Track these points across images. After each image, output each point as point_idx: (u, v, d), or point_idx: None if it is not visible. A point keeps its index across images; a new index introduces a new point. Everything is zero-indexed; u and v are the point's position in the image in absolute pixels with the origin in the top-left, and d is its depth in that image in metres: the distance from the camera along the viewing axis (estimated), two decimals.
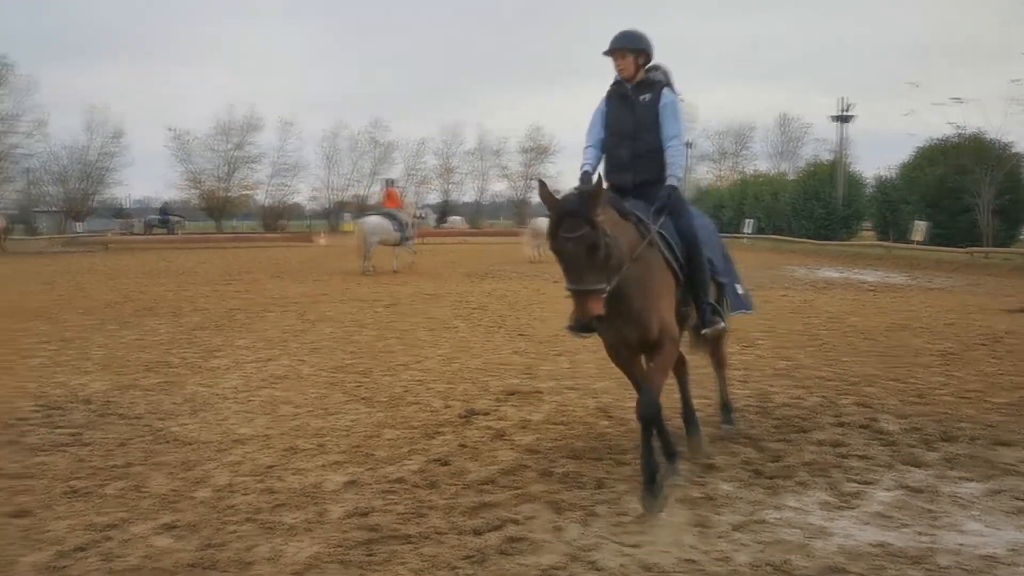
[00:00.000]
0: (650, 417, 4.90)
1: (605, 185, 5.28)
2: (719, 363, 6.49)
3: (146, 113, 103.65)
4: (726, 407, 6.52)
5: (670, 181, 5.40)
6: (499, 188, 74.94)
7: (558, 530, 4.59)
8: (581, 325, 4.58)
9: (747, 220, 47.10)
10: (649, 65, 5.61)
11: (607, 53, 5.56)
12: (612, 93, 5.65)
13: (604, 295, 4.56)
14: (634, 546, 4.37)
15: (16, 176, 59.27)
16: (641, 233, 5.04)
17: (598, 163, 5.59)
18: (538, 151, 72.61)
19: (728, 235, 45.49)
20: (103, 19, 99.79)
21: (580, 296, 4.50)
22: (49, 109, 79.02)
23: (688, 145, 65.87)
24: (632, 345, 5.09)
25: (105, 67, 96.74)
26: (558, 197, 4.64)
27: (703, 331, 5.48)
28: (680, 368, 6.15)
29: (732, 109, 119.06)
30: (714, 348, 6.33)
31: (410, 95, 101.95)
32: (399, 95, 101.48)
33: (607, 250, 4.53)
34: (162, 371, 9.15)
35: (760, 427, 6.62)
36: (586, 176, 5.38)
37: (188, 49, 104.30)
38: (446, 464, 5.73)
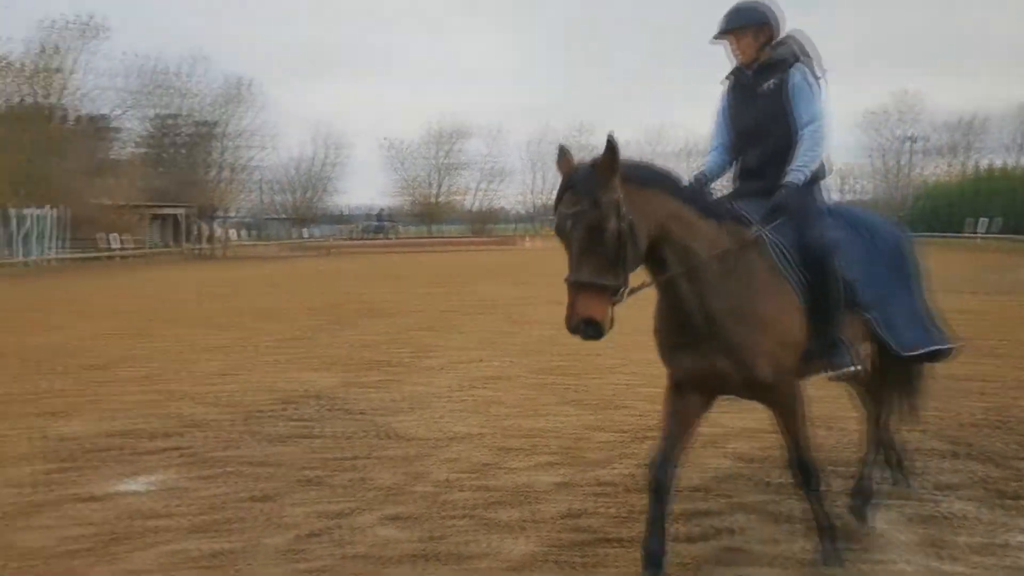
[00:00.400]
0: (814, 479, 4.14)
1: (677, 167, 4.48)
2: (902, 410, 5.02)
3: (363, 124, 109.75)
4: (898, 462, 5.05)
5: (791, 177, 4.23)
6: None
7: (776, 542, 4.44)
8: (572, 328, 3.53)
9: (980, 219, 43.63)
10: (776, 41, 4.48)
11: (719, 36, 4.52)
12: (732, 84, 4.61)
13: (612, 296, 3.55)
14: (861, 564, 4.15)
15: (251, 187, 64.55)
16: (735, 235, 3.96)
17: (720, 169, 4.61)
18: None
19: (955, 235, 42.37)
20: (328, 39, 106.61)
21: (573, 290, 3.52)
22: (280, 124, 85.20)
23: (912, 140, 61.85)
24: (718, 386, 4.05)
25: (329, 83, 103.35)
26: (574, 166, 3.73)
27: (827, 374, 4.24)
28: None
29: (963, 98, 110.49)
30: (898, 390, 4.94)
31: (617, 98, 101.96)
32: (606, 98, 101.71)
33: (620, 237, 3.52)
34: (382, 369, 9.64)
35: (1001, 443, 6.10)
36: (699, 179, 4.50)
37: (403, 63, 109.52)
38: None
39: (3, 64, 42.89)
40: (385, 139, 72.90)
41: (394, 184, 71.79)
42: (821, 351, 4.11)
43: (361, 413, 7.48)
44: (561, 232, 3.61)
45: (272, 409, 7.69)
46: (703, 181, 4.49)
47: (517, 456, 6.05)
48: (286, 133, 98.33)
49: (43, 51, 45.02)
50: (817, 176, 4.39)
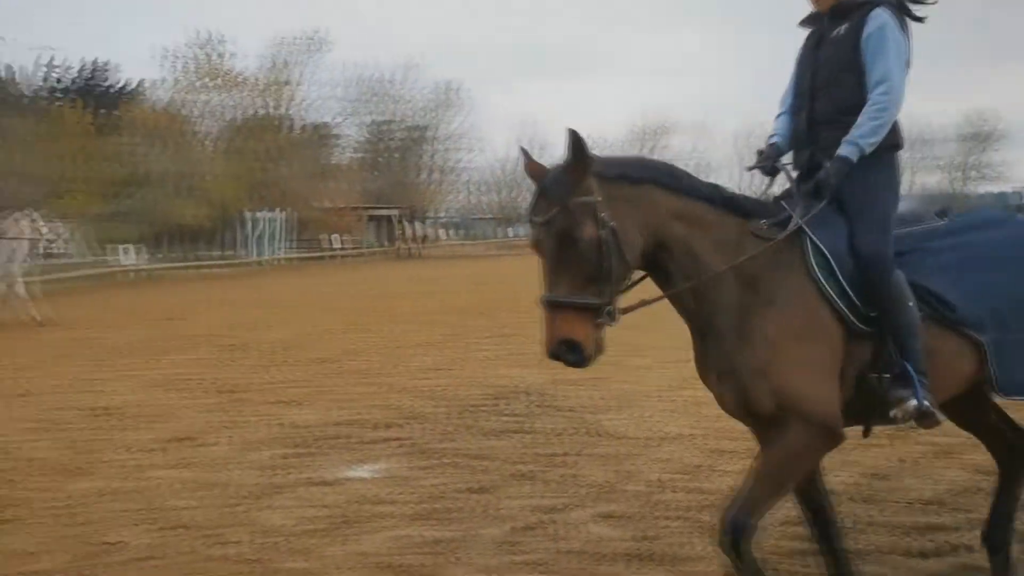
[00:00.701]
0: (727, 544, 3.26)
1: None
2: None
3: (568, 123, 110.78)
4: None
5: (842, 150, 3.35)
6: (931, 180, 68.26)
7: (1021, 562, 4.08)
8: (551, 353, 3.08)
9: None
10: None
11: None
12: (808, 34, 3.72)
13: (596, 316, 3.06)
14: None
15: (459, 188, 66.91)
16: (764, 236, 3.27)
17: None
18: (979, 138, 65.43)
19: None
20: (532, 41, 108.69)
21: (549, 311, 3.06)
22: (487, 126, 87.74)
23: None
24: (743, 417, 3.44)
25: (534, 84, 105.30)
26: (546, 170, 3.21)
27: (892, 412, 3.29)
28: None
29: None
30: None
31: None
32: None
33: (599, 247, 3.02)
34: (590, 367, 9.69)
35: None
36: (771, 150, 3.65)
37: (608, 61, 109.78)
38: (884, 479, 5.37)
39: (240, 80, 46.75)
40: (588, 137, 73.00)
41: None
42: (883, 387, 3.27)
43: (570, 410, 7.56)
44: (535, 245, 3.15)
45: (484, 404, 7.93)
46: (774, 153, 3.64)
47: (731, 459, 5.91)
48: (492, 135, 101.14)
49: (274, 66, 48.72)
50: (891, 144, 3.47)
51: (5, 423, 7.64)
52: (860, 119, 3.38)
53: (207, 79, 45.80)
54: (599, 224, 3.03)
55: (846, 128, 3.39)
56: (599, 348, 3.10)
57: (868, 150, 3.37)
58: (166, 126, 41.90)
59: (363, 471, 5.97)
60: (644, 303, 3.27)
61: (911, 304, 3.26)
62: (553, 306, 3.05)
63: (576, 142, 3.05)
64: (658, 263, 3.28)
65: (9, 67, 40.76)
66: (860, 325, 3.25)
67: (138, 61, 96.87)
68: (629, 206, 3.13)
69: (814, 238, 3.27)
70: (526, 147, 3.52)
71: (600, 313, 3.07)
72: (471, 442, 6.59)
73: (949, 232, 3.55)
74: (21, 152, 32.73)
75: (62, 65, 44.20)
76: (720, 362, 3.28)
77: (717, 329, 3.26)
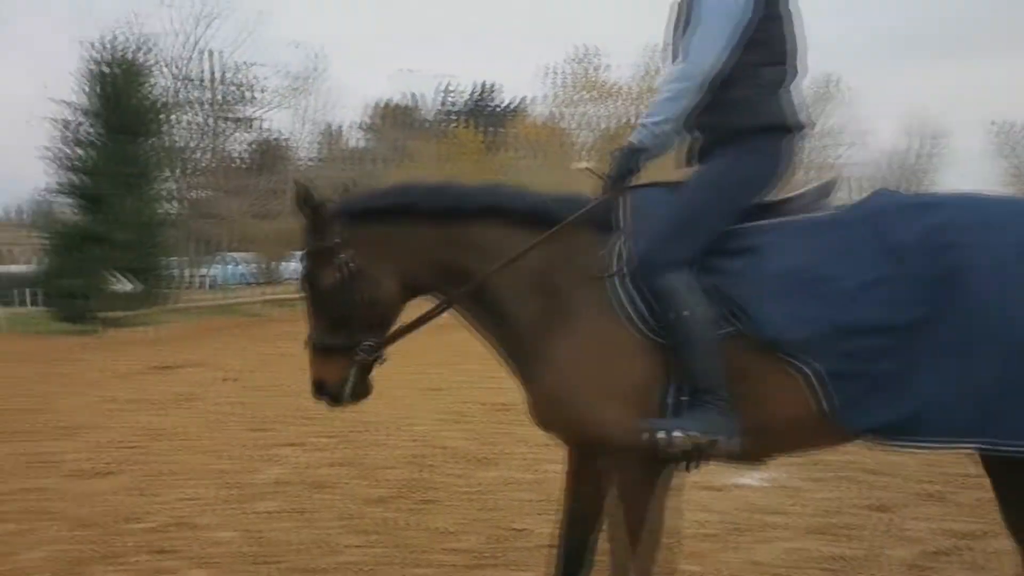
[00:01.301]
0: None
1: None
2: None
3: (964, 109, 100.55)
4: None
5: (633, 134, 2.97)
6: None
7: None
8: (315, 392, 3.13)
9: None
10: None
11: None
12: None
13: (355, 355, 3.05)
14: None
15: (840, 185, 63.53)
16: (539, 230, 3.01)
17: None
18: None
19: None
20: (912, 24, 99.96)
21: (309, 350, 3.12)
22: (870, 118, 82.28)
23: None
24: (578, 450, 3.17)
25: (920, 69, 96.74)
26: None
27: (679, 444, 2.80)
28: None
29: None
30: None
31: None
32: None
33: (340, 289, 3.01)
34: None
35: None
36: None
37: (1010, 36, 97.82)
38: None
39: (614, 90, 48.44)
40: (993, 123, 65.44)
41: (1003, 173, 64.36)
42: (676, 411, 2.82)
43: None
44: None
45: None
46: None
47: None
48: (878, 127, 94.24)
49: (646, 74, 49.81)
50: (763, 126, 2.98)
51: (423, 414, 8.61)
52: (657, 95, 3.03)
53: (584, 92, 48.03)
54: (339, 267, 3.02)
55: (706, 118, 2.95)
56: (360, 388, 3.12)
57: (660, 130, 2.96)
58: (546, 139, 44.59)
59: (751, 479, 5.86)
60: (406, 329, 3.23)
61: (684, 315, 2.76)
62: (310, 347, 3.12)
63: (298, 194, 3.07)
64: (442, 291, 3.19)
65: (414, 95, 46.06)
66: (653, 336, 2.83)
67: (521, 80, 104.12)
68: (377, 244, 3.06)
69: (628, 236, 2.92)
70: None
71: (355, 353, 3.06)
72: (867, 456, 6.18)
73: (829, 224, 2.91)
74: (426, 171, 36.79)
75: (456, 89, 48.97)
76: (522, 384, 3.10)
77: (517, 347, 3.07)
